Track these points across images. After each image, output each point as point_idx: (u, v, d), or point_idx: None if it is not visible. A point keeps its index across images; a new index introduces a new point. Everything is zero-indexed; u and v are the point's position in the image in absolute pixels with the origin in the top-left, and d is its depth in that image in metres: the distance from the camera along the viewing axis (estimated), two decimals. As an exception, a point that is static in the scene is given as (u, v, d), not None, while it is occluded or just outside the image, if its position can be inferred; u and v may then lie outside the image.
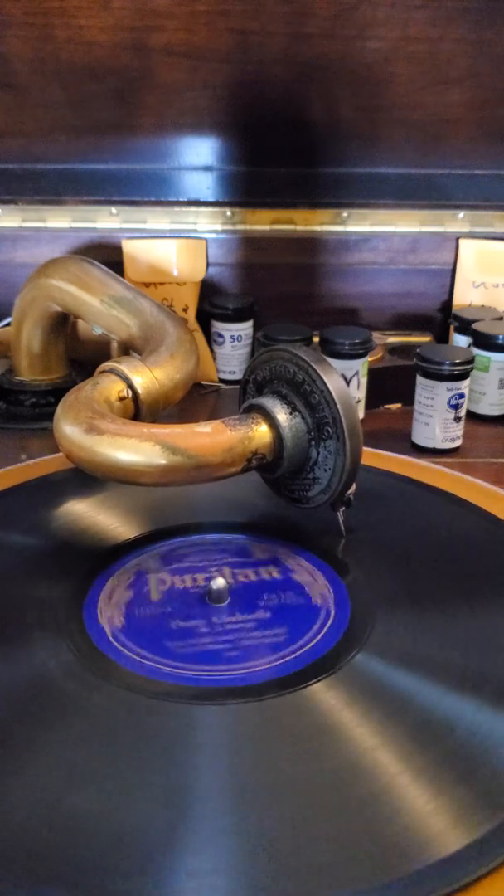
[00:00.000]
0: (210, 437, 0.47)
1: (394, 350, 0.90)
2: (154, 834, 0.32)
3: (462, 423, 0.71)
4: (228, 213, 0.93)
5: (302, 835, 0.33)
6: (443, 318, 0.96)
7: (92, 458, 0.47)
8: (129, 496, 0.57)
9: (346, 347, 0.73)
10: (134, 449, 0.46)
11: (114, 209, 0.92)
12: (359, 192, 0.93)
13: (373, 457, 0.64)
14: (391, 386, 0.81)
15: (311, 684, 0.40)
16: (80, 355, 0.80)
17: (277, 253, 0.93)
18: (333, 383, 0.48)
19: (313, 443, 0.50)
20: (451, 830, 0.33)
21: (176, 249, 0.91)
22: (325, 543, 0.53)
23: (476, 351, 0.76)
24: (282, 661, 0.42)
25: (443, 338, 0.95)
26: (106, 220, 0.92)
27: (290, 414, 0.50)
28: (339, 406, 0.48)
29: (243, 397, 0.55)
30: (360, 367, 0.74)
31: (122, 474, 0.47)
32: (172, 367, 0.58)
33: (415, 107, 0.86)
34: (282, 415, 0.50)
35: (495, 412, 0.78)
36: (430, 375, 0.70)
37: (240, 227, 0.93)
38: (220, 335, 0.87)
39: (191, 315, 0.88)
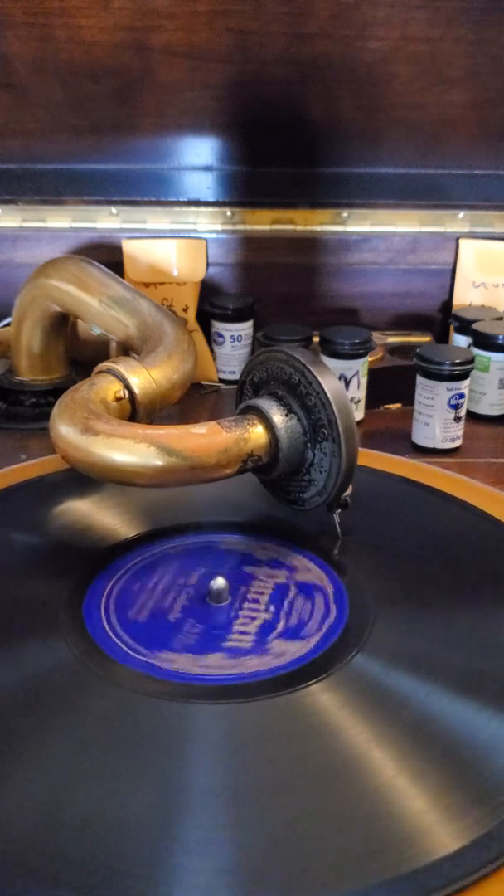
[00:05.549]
0: (205, 438, 0.47)
1: (394, 350, 0.90)
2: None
3: (462, 423, 0.71)
4: (228, 213, 0.93)
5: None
6: (443, 318, 0.96)
7: (87, 458, 0.48)
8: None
9: (346, 347, 0.73)
10: (129, 450, 0.46)
11: (114, 209, 0.92)
12: (359, 192, 0.93)
13: (371, 457, 0.64)
14: (391, 386, 0.81)
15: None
16: (80, 355, 0.81)
17: (277, 253, 0.93)
18: (329, 385, 0.48)
19: (309, 444, 0.50)
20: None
21: (176, 249, 0.91)
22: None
23: (476, 351, 0.76)
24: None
25: (443, 338, 0.95)
26: (106, 220, 0.93)
27: (286, 415, 0.50)
28: (334, 408, 0.48)
29: (240, 398, 0.55)
30: (360, 367, 0.74)
31: (117, 475, 0.47)
32: (170, 368, 0.58)
33: (415, 107, 0.85)
34: (277, 416, 0.50)
35: (495, 412, 0.78)
36: (430, 375, 0.70)
37: (240, 227, 0.93)
38: (220, 335, 0.87)
39: (191, 315, 0.88)
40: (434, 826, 0.33)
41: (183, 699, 0.40)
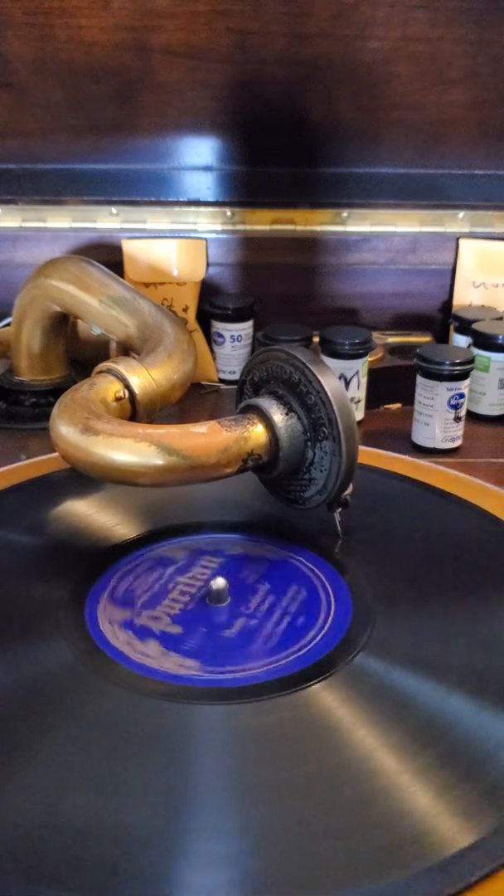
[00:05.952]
0: (205, 437, 0.47)
1: (394, 350, 0.90)
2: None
3: (462, 423, 0.71)
4: (228, 213, 0.93)
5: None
6: (443, 318, 0.96)
7: (87, 458, 0.47)
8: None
9: (346, 347, 0.73)
10: (129, 449, 0.46)
11: (114, 209, 0.92)
12: (359, 192, 0.93)
13: (372, 456, 0.64)
14: (391, 386, 0.81)
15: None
16: (80, 355, 0.80)
17: (277, 253, 0.93)
18: (329, 384, 0.48)
19: (309, 444, 0.50)
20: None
21: (176, 249, 0.91)
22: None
23: (476, 351, 0.75)
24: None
25: (443, 338, 0.95)
26: (106, 220, 0.93)
27: (286, 415, 0.50)
28: (334, 407, 0.48)
29: (240, 398, 0.55)
30: (360, 367, 0.74)
31: (117, 475, 0.47)
32: (170, 368, 0.58)
33: (415, 107, 0.85)
34: (278, 415, 0.50)
35: (495, 412, 0.78)
36: (430, 375, 0.70)
37: (240, 227, 0.93)
38: (220, 335, 0.87)
39: (191, 315, 0.88)
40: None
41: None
